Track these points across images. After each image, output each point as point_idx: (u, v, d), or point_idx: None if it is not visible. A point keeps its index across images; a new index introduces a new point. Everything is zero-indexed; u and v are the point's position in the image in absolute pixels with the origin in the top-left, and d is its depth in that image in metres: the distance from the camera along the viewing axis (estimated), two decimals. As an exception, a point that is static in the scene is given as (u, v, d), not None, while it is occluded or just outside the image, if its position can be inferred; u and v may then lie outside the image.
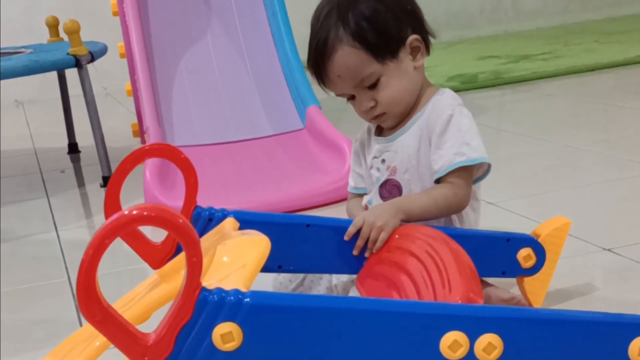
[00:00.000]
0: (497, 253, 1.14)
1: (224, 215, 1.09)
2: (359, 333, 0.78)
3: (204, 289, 0.73)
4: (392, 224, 1.11)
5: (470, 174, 1.16)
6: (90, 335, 0.81)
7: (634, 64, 3.22)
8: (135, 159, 0.99)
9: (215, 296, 0.74)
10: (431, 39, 1.21)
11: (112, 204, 1.01)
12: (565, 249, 1.43)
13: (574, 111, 2.65)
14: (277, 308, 0.76)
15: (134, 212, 0.67)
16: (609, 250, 1.41)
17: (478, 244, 1.12)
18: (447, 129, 1.14)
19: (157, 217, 0.68)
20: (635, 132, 2.25)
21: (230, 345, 0.74)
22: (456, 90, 1.27)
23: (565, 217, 1.20)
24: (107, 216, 1.01)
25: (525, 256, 1.16)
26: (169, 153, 1.03)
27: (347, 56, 1.14)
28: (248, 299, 0.74)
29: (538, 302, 1.19)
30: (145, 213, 0.68)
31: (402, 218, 1.12)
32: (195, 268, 0.71)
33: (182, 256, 0.92)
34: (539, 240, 1.17)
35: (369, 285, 1.07)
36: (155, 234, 1.03)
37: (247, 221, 1.08)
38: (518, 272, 1.17)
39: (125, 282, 1.45)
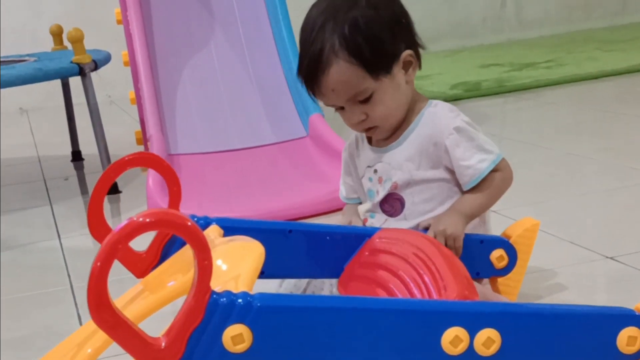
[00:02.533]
0: (471, 254, 1.16)
1: (207, 222, 1.09)
2: (365, 331, 0.80)
3: (213, 292, 0.75)
4: (462, 229, 1.14)
5: (500, 163, 1.18)
6: (80, 343, 0.82)
7: (636, 72, 3.22)
8: (117, 168, 1.00)
9: (225, 299, 0.75)
10: (422, 51, 1.21)
11: (95, 213, 1.02)
12: (568, 257, 1.43)
13: (577, 119, 2.65)
14: (285, 309, 0.78)
15: (146, 217, 0.68)
16: (611, 258, 1.41)
17: None
18: (460, 141, 1.16)
19: (168, 222, 0.69)
20: (638, 140, 2.25)
21: (240, 347, 0.76)
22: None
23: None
24: (90, 224, 1.02)
25: (498, 257, 1.19)
26: (151, 162, 1.03)
27: (342, 71, 1.12)
28: (257, 301, 0.76)
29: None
30: (155, 219, 0.69)
31: (466, 222, 1.16)
32: (205, 271, 0.72)
33: (166, 264, 0.93)
34: (510, 241, 1.20)
35: (354, 287, 1.08)
36: (138, 244, 1.03)
37: (230, 228, 1.08)
38: (492, 272, 1.20)
39: (127, 289, 1.45)
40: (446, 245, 1.12)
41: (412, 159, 1.18)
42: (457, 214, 1.15)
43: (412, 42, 1.18)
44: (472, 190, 1.18)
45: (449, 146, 1.16)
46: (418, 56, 1.19)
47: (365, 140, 1.25)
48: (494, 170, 1.17)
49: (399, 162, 1.19)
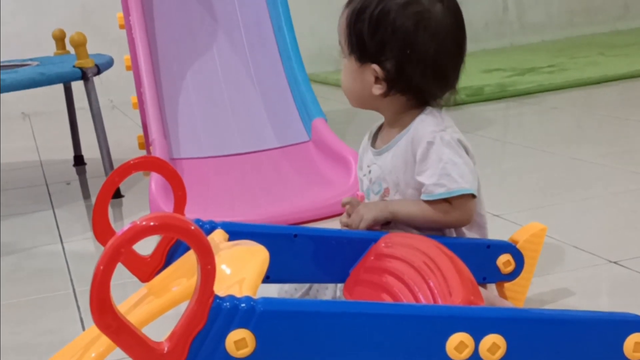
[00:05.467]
0: (478, 259, 1.16)
1: (212, 227, 1.09)
2: (368, 336, 0.80)
3: (216, 296, 0.75)
4: (375, 215, 1.16)
5: (461, 199, 1.14)
6: (84, 347, 0.81)
7: (639, 76, 3.22)
8: (122, 172, 1.00)
9: (228, 303, 0.75)
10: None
11: (100, 217, 1.02)
12: (571, 262, 1.43)
13: (580, 124, 2.64)
14: (289, 314, 0.78)
15: (149, 221, 0.68)
16: (615, 262, 1.40)
17: (460, 251, 1.13)
18: (427, 157, 1.14)
19: (171, 225, 0.69)
20: (641, 144, 2.25)
21: (243, 352, 0.76)
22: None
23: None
24: (95, 227, 1.02)
25: (504, 262, 1.19)
26: (156, 166, 1.03)
27: (343, 20, 1.19)
28: (260, 306, 0.76)
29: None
30: (158, 222, 0.68)
31: (387, 217, 1.16)
32: (209, 276, 0.72)
33: (170, 269, 0.93)
34: (517, 246, 1.19)
35: (359, 292, 1.08)
36: (143, 248, 1.03)
37: (235, 232, 1.08)
38: (498, 277, 1.20)
39: (130, 294, 1.45)
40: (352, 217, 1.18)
41: (399, 165, 1.18)
42: (382, 205, 1.17)
43: (404, 68, 1.15)
44: (418, 201, 1.16)
45: (417, 158, 1.15)
46: (394, 83, 1.16)
47: (371, 140, 1.25)
48: (448, 202, 1.14)
49: (388, 167, 1.19)
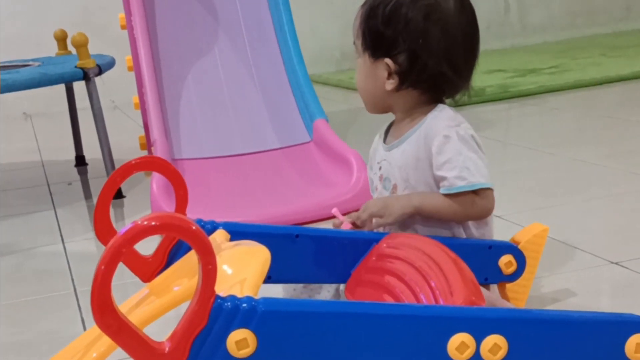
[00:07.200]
0: (479, 260, 1.16)
1: (213, 227, 1.09)
2: (369, 336, 0.80)
3: (218, 296, 0.75)
4: (397, 213, 1.15)
5: (485, 191, 1.16)
6: (85, 347, 0.81)
7: (641, 77, 3.23)
8: (124, 172, 1.00)
9: (229, 304, 0.75)
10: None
11: (101, 217, 1.02)
12: (573, 262, 1.43)
13: (581, 125, 2.64)
14: (290, 314, 0.78)
15: (150, 221, 0.68)
16: (616, 263, 1.40)
17: (461, 252, 1.13)
18: (445, 151, 1.14)
19: (173, 225, 0.69)
20: (643, 145, 2.25)
21: (244, 352, 0.76)
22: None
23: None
24: (96, 227, 1.02)
25: (506, 262, 1.19)
26: (158, 166, 1.03)
27: (358, 19, 1.21)
28: (261, 306, 0.76)
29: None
30: (159, 222, 0.69)
31: (411, 211, 1.16)
32: (210, 276, 0.72)
33: (171, 269, 0.93)
34: (519, 247, 1.19)
35: (361, 293, 1.08)
36: (145, 248, 1.03)
37: (237, 232, 1.08)
38: (500, 278, 1.20)
39: (131, 294, 1.45)
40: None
41: (409, 161, 1.18)
42: (405, 199, 1.16)
43: (417, 59, 1.16)
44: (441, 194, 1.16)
45: (433, 151, 1.15)
46: (406, 76, 1.17)
47: (383, 136, 1.26)
48: (474, 193, 1.15)
49: (398, 163, 1.19)
